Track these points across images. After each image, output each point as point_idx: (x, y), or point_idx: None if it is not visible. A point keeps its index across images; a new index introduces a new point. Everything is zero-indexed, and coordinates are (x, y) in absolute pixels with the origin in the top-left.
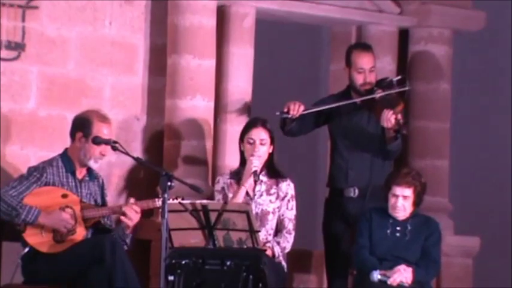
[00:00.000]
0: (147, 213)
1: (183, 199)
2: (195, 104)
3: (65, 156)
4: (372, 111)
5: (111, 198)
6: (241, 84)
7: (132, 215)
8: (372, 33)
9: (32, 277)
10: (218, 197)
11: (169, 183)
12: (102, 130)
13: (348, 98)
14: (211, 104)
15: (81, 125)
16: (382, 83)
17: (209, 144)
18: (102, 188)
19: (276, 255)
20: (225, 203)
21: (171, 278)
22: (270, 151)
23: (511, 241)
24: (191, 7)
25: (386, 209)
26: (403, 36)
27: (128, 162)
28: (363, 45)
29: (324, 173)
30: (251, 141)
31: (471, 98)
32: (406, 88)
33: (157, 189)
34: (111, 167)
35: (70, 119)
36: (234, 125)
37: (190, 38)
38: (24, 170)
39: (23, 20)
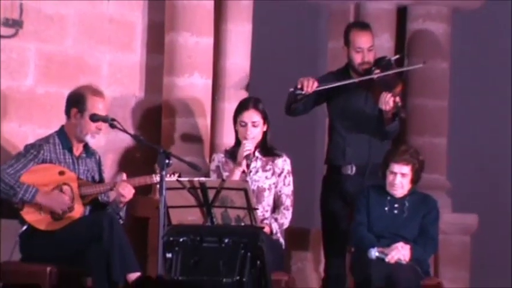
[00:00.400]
0: (144, 191)
1: (180, 175)
2: (192, 82)
3: (61, 133)
4: (369, 91)
5: (107, 176)
6: (239, 62)
7: (126, 191)
8: (370, 10)
9: (29, 255)
10: (213, 176)
11: (167, 161)
12: (96, 105)
13: (347, 76)
14: (209, 82)
15: (76, 101)
16: (380, 62)
17: (207, 122)
18: (99, 165)
19: (274, 231)
20: (223, 180)
21: (168, 255)
22: (264, 130)
23: (510, 218)
24: None
25: (384, 187)
26: (402, 13)
27: (125, 140)
28: (362, 25)
29: (322, 150)
30: (243, 123)
31: (470, 76)
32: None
33: (155, 167)
34: (108, 144)
35: None
36: (231, 103)
37: (188, 16)
38: (22, 147)
39: None
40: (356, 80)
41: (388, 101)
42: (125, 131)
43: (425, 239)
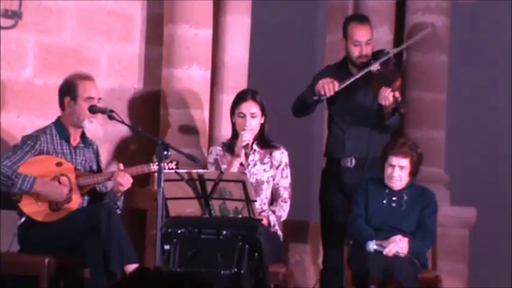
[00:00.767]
0: (142, 183)
1: (177, 163)
2: (191, 74)
3: (58, 123)
4: (368, 84)
5: (104, 166)
6: (237, 54)
7: (124, 180)
8: (369, 3)
9: (28, 246)
10: (211, 168)
11: (165, 153)
12: (88, 88)
13: (345, 69)
14: (208, 74)
15: (67, 90)
16: (378, 55)
17: (205, 114)
18: (97, 155)
19: (272, 224)
20: (221, 172)
21: (166, 247)
22: (262, 122)
23: (509, 212)
24: None
25: (383, 179)
26: (401, 6)
27: (123, 131)
28: (360, 18)
29: (320, 143)
30: (241, 115)
31: (469, 68)
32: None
33: (154, 158)
34: (106, 135)
35: None
36: (230, 95)
37: (187, 8)
38: (20, 138)
39: None
40: (374, 69)
41: (387, 96)
42: (123, 122)
43: (423, 232)
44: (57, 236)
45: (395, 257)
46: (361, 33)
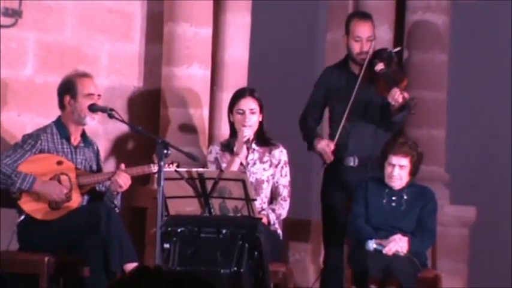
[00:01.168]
0: (142, 181)
1: (178, 165)
2: (191, 73)
3: (59, 122)
4: (372, 84)
5: (104, 165)
6: (238, 53)
7: (124, 181)
8: (369, 1)
9: (27, 244)
10: (211, 167)
11: (165, 151)
12: (86, 85)
13: (346, 67)
14: (208, 73)
15: (66, 89)
16: (381, 55)
17: (205, 112)
18: (97, 154)
19: (272, 222)
20: (221, 171)
21: (166, 245)
22: (260, 119)
23: (509, 211)
24: None
25: (383, 179)
26: (401, 5)
27: (123, 129)
28: (363, 14)
29: None
30: (241, 111)
31: (469, 67)
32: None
33: (154, 157)
34: (106, 133)
35: None
36: (230, 94)
37: (187, 6)
38: (20, 137)
39: None
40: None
41: (397, 99)
42: (123, 121)
43: (423, 231)
44: (56, 234)
45: (395, 256)
46: (362, 29)
